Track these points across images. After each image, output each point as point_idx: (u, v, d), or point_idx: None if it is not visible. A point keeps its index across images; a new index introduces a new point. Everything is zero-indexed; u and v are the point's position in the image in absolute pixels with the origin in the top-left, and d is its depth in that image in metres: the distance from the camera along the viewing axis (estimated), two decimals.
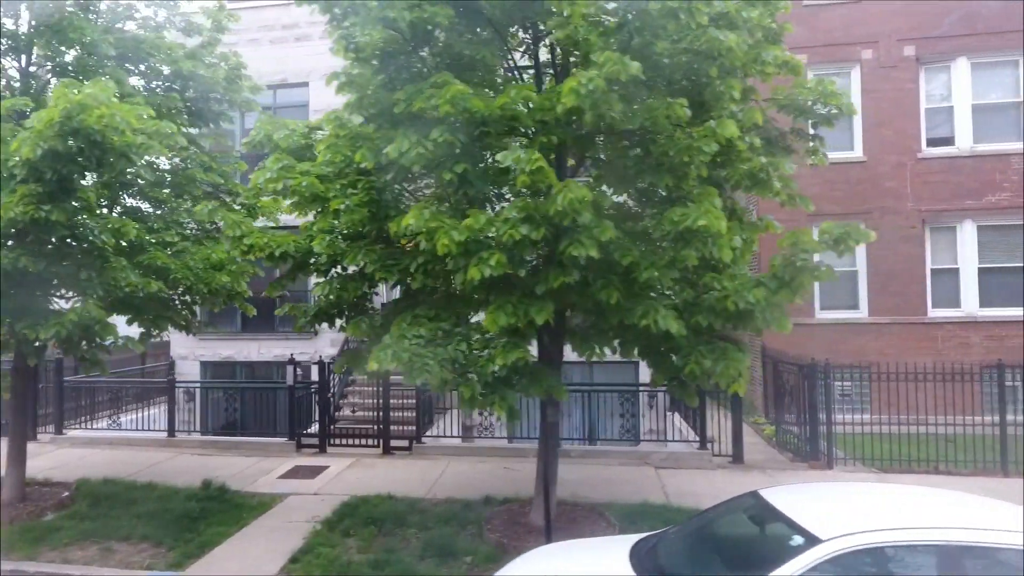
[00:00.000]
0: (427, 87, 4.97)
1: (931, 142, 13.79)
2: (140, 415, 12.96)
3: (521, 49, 6.32)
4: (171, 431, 12.29)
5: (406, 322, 5.59)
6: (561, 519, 7.79)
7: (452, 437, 11.99)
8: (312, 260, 6.53)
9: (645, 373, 13.58)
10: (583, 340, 5.83)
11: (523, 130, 5.39)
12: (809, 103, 7.22)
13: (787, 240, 5.35)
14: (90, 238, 7.21)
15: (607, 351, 6.45)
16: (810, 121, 7.52)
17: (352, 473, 10.43)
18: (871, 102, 13.79)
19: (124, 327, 8.90)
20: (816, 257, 5.70)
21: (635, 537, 5.19)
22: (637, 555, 4.69)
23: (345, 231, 6.37)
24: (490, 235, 4.76)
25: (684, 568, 4.38)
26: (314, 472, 10.44)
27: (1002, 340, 13.22)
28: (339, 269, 6.71)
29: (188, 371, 16.28)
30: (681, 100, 5.13)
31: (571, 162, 6.92)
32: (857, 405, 13.38)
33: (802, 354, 13.10)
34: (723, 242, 4.96)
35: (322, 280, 6.64)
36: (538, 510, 7.52)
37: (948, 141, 13.71)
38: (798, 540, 4.05)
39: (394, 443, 11.56)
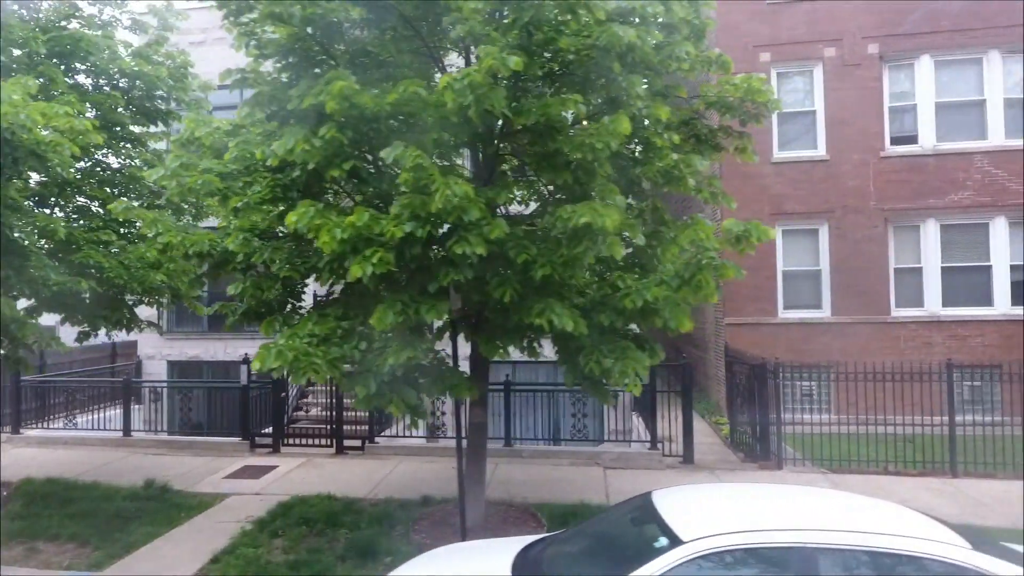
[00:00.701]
0: (319, 84, 4.93)
1: (895, 140, 13.71)
2: (98, 415, 12.91)
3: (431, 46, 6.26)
4: (127, 431, 12.26)
5: (312, 320, 5.54)
6: (493, 519, 7.75)
7: (408, 437, 11.91)
8: (229, 259, 6.47)
9: None
10: (488, 339, 5.77)
11: (423, 127, 5.33)
12: (737, 100, 7.13)
13: (686, 238, 5.29)
14: (15, 236, 7.19)
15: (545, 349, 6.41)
16: (739, 118, 7.39)
17: (299, 473, 10.38)
18: (834, 100, 13.72)
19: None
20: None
21: (531, 539, 5.15)
22: (523, 558, 4.65)
23: (263, 228, 6.32)
24: (377, 233, 4.71)
25: (558, 569, 4.33)
26: (262, 472, 10.40)
27: (964, 340, 13.15)
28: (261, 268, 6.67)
29: (155, 371, 16.27)
30: (576, 96, 5.07)
31: (509, 163, 6.90)
32: (819, 405, 13.33)
33: (765, 354, 13.05)
34: (614, 240, 4.89)
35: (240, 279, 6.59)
36: (468, 510, 7.49)
37: (911, 139, 13.63)
38: (663, 541, 4.00)
39: (347, 443, 11.52)
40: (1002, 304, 13.18)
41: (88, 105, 8.90)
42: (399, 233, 4.59)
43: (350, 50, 5.96)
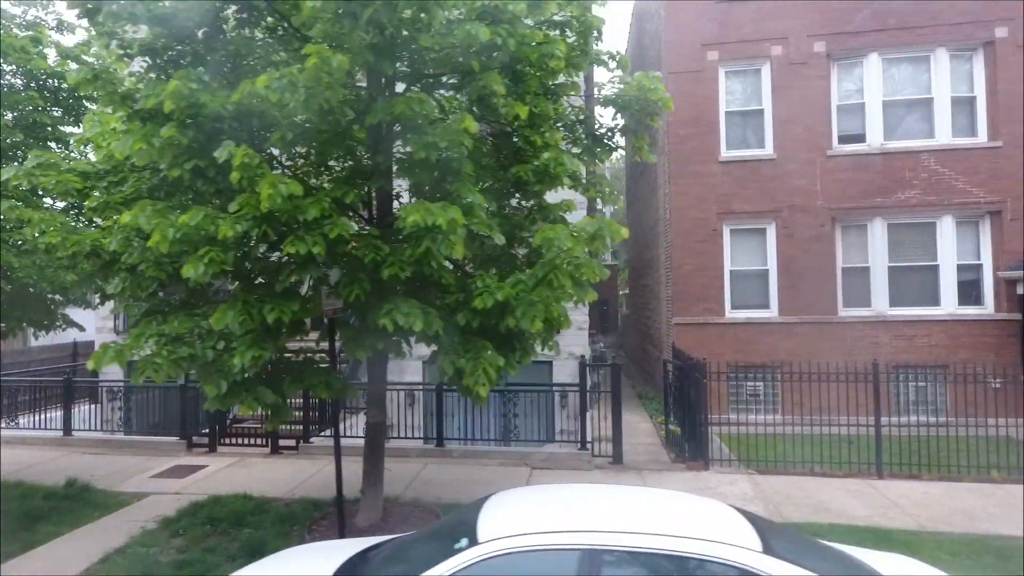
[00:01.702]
0: (159, 84, 4.93)
1: (842, 139, 13.63)
2: (44, 415, 12.96)
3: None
4: (67, 430, 12.31)
5: (178, 319, 5.55)
6: (393, 519, 7.73)
7: (347, 437, 11.93)
8: (115, 259, 6.48)
9: (562, 373, 13.53)
10: (352, 339, 5.76)
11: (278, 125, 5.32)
12: (632, 99, 7.09)
13: (539, 237, 5.26)
14: None
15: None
16: (636, 117, 7.35)
17: (227, 473, 10.40)
18: (782, 99, 13.64)
19: None
20: None
21: (380, 539, 5.15)
22: (355, 558, 4.65)
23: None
24: (212, 233, 4.70)
25: (373, 570, 4.33)
26: (189, 471, 10.43)
27: (911, 340, 13.06)
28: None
29: (113, 369, 16.31)
30: (421, 95, 5.05)
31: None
32: (766, 405, 13.27)
33: (711, 353, 13.00)
34: (456, 239, 4.87)
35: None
36: (365, 510, 7.49)
37: (859, 138, 13.54)
38: (463, 542, 3.99)
39: (282, 443, 11.53)
40: (949, 304, 13.09)
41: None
42: (231, 232, 4.59)
43: (223, 49, 5.95)
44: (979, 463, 9.65)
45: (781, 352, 13.29)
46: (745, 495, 9.01)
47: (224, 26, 5.83)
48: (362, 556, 4.67)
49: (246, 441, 11.78)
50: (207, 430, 11.94)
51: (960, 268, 13.12)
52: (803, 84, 13.54)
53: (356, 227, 5.01)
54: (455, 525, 4.43)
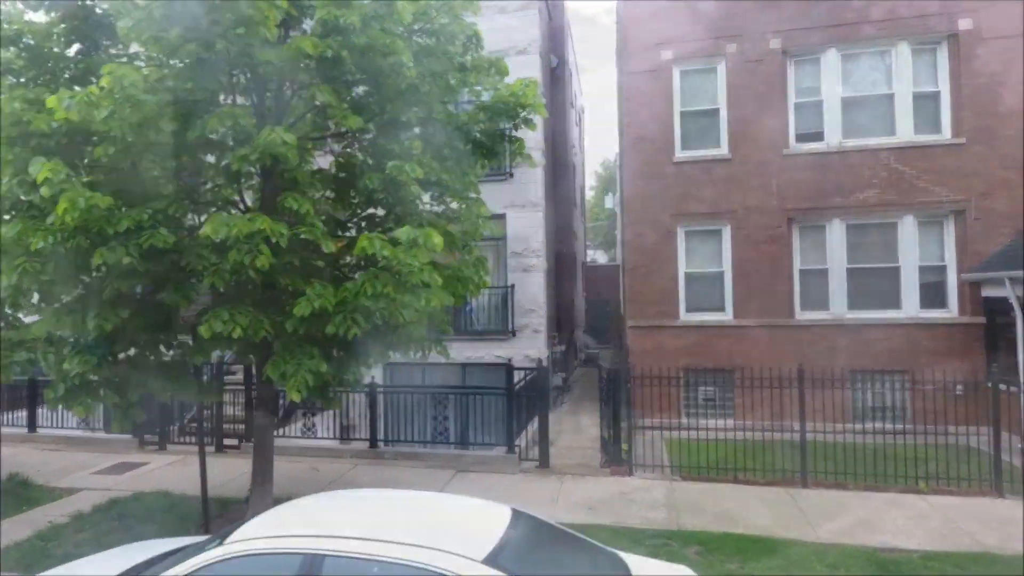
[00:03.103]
0: None
1: (799, 138, 13.28)
2: (15, 413, 13.59)
3: None
4: (31, 427, 12.91)
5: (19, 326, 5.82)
6: None
7: (294, 437, 12.23)
8: None
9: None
10: (196, 347, 5.95)
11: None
12: (508, 106, 7.11)
13: (356, 247, 5.34)
14: None
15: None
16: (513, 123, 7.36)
17: (164, 470, 10.78)
18: (737, 98, 13.38)
19: None
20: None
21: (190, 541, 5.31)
22: (154, 558, 4.82)
23: None
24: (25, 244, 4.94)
25: (145, 570, 4.50)
26: (130, 468, 10.85)
27: (869, 344, 12.65)
28: None
29: None
30: (235, 109, 5.20)
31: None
32: (720, 411, 13.03)
33: (665, 357, 12.89)
34: (262, 248, 5.00)
35: None
36: (252, 510, 7.68)
37: (817, 137, 13.18)
38: (215, 542, 4.13)
39: (227, 442, 11.88)
40: (910, 307, 12.64)
41: None
42: (41, 243, 4.82)
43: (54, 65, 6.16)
44: (917, 474, 9.30)
45: (736, 356, 13.04)
46: (654, 502, 8.91)
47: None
48: (164, 554, 4.84)
49: (195, 439, 12.16)
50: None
51: (922, 270, 12.66)
52: (759, 82, 13.25)
53: (175, 238, 5.17)
54: (232, 527, 4.56)
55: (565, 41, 20.81)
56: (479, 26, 7.38)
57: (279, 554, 3.84)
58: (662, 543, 7.35)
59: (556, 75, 18.75)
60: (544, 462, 10.47)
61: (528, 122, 7.30)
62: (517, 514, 4.48)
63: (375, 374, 12.07)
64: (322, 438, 11.87)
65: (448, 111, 7.07)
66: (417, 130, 6.78)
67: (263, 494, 7.66)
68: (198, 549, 4.20)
